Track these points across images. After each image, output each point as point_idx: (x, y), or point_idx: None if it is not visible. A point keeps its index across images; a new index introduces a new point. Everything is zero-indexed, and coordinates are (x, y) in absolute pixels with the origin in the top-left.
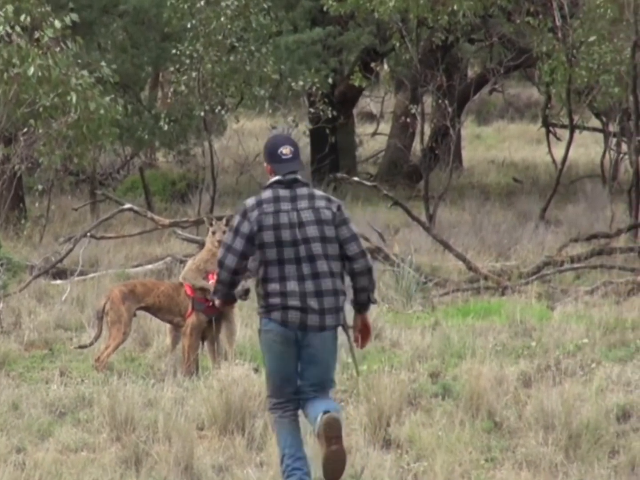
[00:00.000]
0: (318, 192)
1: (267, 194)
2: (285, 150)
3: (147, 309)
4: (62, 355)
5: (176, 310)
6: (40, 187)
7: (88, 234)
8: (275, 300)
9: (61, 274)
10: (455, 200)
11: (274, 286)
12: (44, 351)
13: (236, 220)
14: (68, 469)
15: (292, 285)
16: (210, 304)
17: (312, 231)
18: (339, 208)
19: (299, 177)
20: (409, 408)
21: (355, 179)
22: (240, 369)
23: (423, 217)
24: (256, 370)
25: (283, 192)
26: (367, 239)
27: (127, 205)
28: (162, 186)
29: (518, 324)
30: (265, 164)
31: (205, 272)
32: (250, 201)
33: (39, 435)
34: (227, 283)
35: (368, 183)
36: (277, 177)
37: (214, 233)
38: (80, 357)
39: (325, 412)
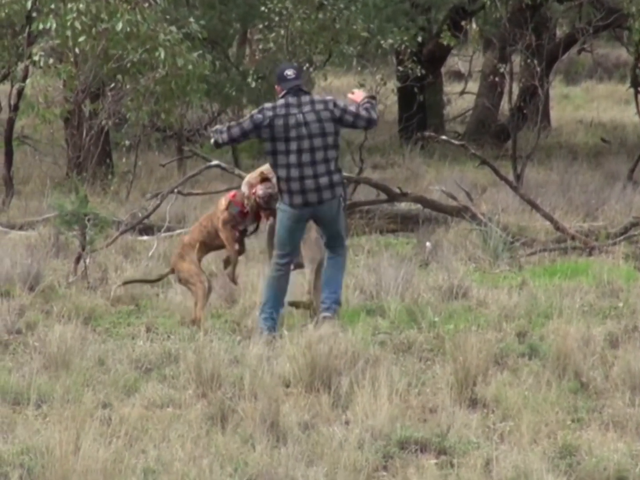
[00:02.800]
0: (317, 97)
1: (280, 101)
2: (289, 72)
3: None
4: (149, 311)
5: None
6: (127, 143)
7: (175, 190)
8: (284, 186)
9: (148, 230)
10: (543, 160)
11: (282, 173)
12: (130, 307)
13: (254, 112)
14: (154, 424)
15: (294, 172)
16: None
17: (314, 128)
18: (334, 104)
19: (302, 87)
20: (496, 368)
21: (443, 137)
22: (326, 326)
23: (511, 177)
24: (342, 328)
25: (292, 100)
26: (454, 198)
27: (215, 162)
28: (250, 143)
29: (605, 285)
30: (276, 87)
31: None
32: (268, 105)
33: (125, 390)
34: (221, 144)
35: (456, 142)
36: (288, 96)
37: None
38: (166, 313)
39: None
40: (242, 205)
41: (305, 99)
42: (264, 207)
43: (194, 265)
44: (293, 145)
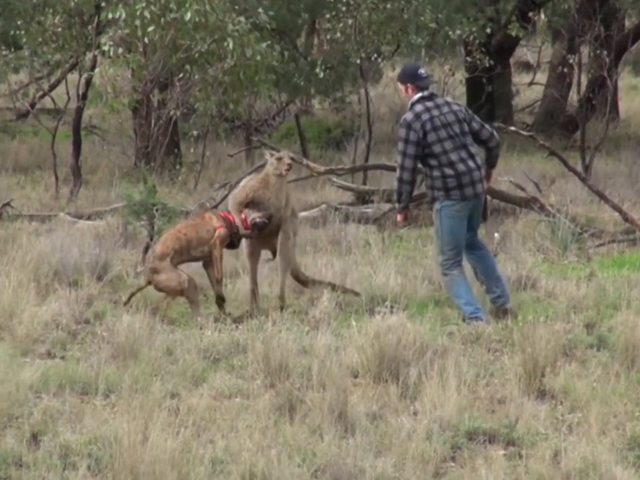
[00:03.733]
0: (449, 100)
1: (419, 107)
2: (422, 71)
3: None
4: None
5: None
6: (195, 133)
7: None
8: (453, 183)
9: None
10: (612, 151)
11: (449, 171)
12: (199, 297)
13: (402, 132)
14: (222, 415)
15: (460, 167)
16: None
17: (456, 128)
18: (466, 109)
19: (434, 91)
20: (564, 359)
21: (512, 128)
22: (395, 317)
23: (579, 168)
24: (410, 318)
25: (429, 104)
26: (522, 189)
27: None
28: (318, 133)
29: None
30: (403, 86)
31: (250, 201)
32: (409, 115)
33: (193, 380)
34: (410, 181)
35: (524, 133)
36: (420, 94)
37: (280, 159)
38: (234, 303)
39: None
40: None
41: (439, 101)
42: (250, 235)
43: (171, 270)
44: (449, 145)
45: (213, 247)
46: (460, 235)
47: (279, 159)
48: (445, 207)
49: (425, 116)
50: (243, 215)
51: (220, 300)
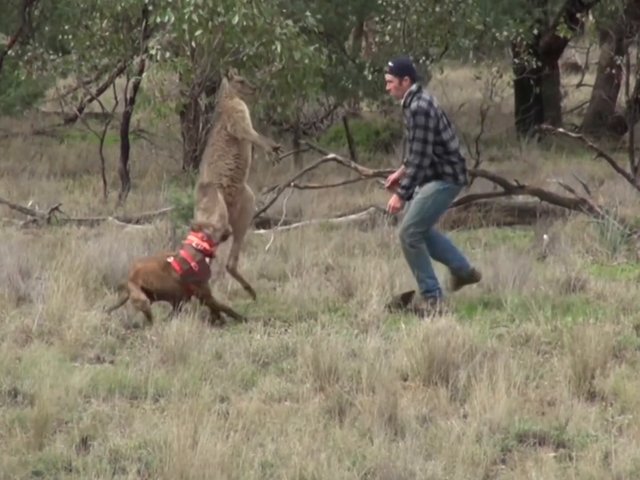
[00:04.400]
0: None
1: (426, 95)
2: (414, 64)
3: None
4: (266, 304)
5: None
6: None
7: (292, 183)
8: (458, 167)
9: (265, 224)
10: None
11: (454, 157)
12: (247, 300)
13: (422, 119)
14: (271, 418)
15: (461, 154)
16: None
17: (447, 119)
18: None
19: None
20: (614, 360)
21: (560, 130)
22: (444, 319)
23: (628, 169)
24: (460, 321)
25: (428, 94)
26: (571, 190)
27: (331, 155)
28: (366, 136)
29: None
30: (399, 78)
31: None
32: (424, 103)
33: (242, 384)
34: (425, 167)
35: (573, 134)
36: (417, 85)
37: (242, 82)
38: (283, 307)
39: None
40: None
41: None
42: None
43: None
44: (450, 133)
45: (199, 288)
46: (436, 218)
47: (241, 82)
48: (448, 189)
49: (435, 104)
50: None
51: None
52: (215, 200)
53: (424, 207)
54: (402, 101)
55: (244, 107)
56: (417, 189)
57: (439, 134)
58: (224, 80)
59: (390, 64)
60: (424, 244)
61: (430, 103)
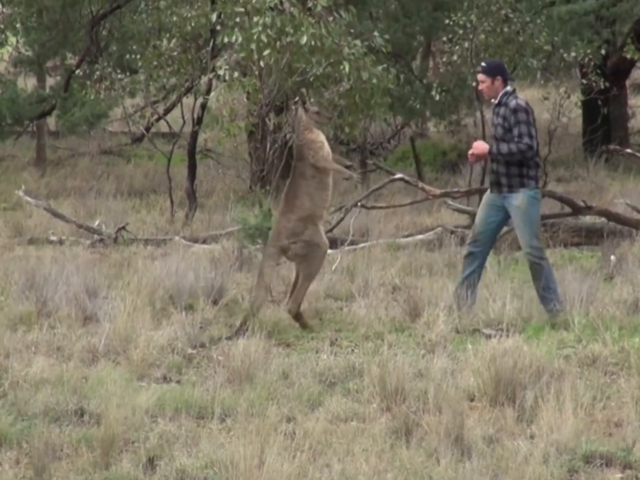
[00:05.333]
0: None
1: (521, 96)
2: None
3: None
4: (332, 324)
5: None
6: None
7: (359, 203)
8: (539, 170)
9: (331, 243)
10: None
11: (539, 160)
12: (314, 320)
13: (524, 116)
14: (338, 438)
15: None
16: None
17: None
18: None
19: None
20: None
21: (628, 150)
22: (511, 340)
23: None
24: (527, 341)
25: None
26: (639, 211)
27: (398, 175)
28: (433, 156)
29: None
30: (491, 78)
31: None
32: (522, 102)
33: (308, 404)
34: (532, 153)
35: None
36: (510, 87)
37: (318, 113)
38: (350, 327)
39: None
40: None
41: None
42: None
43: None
44: (536, 140)
45: None
46: (540, 226)
47: (317, 113)
48: (534, 195)
49: (529, 104)
50: None
51: None
52: (320, 232)
53: (529, 218)
54: (495, 101)
55: (322, 138)
56: (508, 200)
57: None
58: (300, 111)
59: (483, 64)
60: (545, 257)
61: (527, 103)
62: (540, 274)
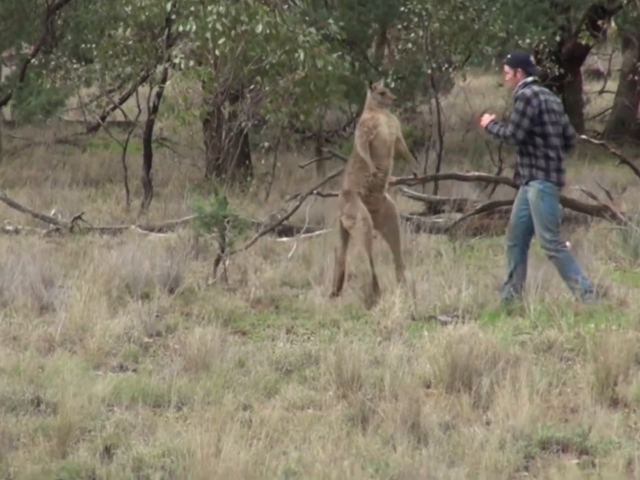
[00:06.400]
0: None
1: (535, 88)
2: (532, 59)
3: None
4: (288, 312)
5: None
6: (266, 144)
7: (314, 191)
8: (553, 164)
9: (287, 232)
10: None
11: (553, 153)
12: (270, 308)
13: (520, 105)
14: (294, 426)
15: (560, 153)
16: None
17: (560, 117)
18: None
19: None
20: (636, 367)
21: (583, 137)
22: (467, 326)
23: None
24: (482, 328)
25: (541, 88)
26: (594, 197)
27: None
28: None
29: None
30: (512, 70)
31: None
32: (528, 91)
33: (265, 392)
34: (512, 142)
35: (595, 141)
36: (531, 78)
37: (383, 93)
38: (306, 314)
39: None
40: None
41: (546, 88)
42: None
43: None
44: (554, 129)
45: None
46: (558, 217)
47: (382, 93)
48: (547, 188)
49: (542, 96)
50: None
51: None
52: (357, 205)
53: (540, 211)
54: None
55: (372, 124)
56: (527, 192)
57: (544, 125)
58: (368, 92)
59: (508, 56)
60: (565, 250)
61: (536, 93)
62: (557, 266)
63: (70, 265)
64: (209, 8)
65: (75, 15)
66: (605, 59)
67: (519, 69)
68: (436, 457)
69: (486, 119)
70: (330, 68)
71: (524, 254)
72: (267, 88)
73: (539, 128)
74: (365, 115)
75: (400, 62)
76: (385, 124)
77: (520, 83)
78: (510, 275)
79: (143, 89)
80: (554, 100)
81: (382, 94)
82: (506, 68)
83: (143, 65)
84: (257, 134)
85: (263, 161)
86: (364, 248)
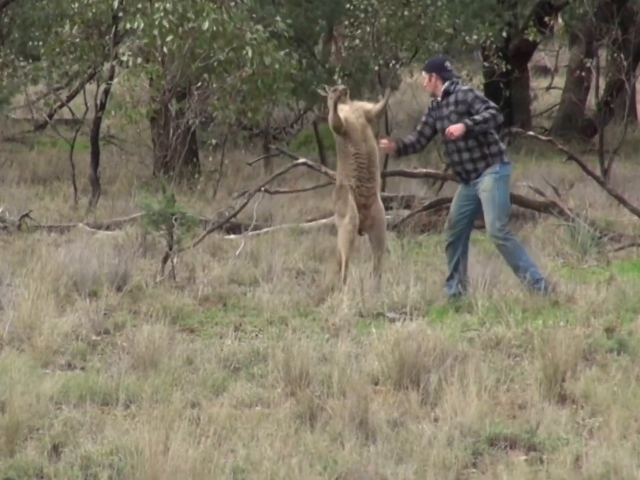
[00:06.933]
0: None
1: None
2: (449, 64)
3: None
4: (236, 309)
5: None
6: (214, 141)
7: (262, 188)
8: (503, 147)
9: (235, 229)
10: (630, 154)
11: (497, 135)
12: (218, 306)
13: (474, 93)
14: (242, 423)
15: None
16: None
17: None
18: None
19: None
20: (584, 363)
21: (530, 133)
22: (415, 323)
23: (598, 172)
24: (430, 325)
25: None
26: (541, 193)
27: (302, 160)
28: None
29: None
30: (427, 75)
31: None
32: (465, 86)
33: (213, 390)
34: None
35: (542, 137)
36: (454, 79)
37: (335, 90)
38: (254, 312)
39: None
40: None
41: None
42: None
43: None
44: None
45: None
46: (510, 206)
47: (334, 90)
48: (501, 173)
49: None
50: None
51: None
52: (347, 204)
53: (494, 200)
54: (436, 97)
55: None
56: (477, 187)
57: None
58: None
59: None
60: (514, 236)
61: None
62: (505, 254)
63: (18, 263)
64: (156, 5)
65: (22, 12)
66: (553, 55)
67: (434, 74)
68: (384, 454)
69: (455, 127)
70: (277, 65)
71: (465, 249)
72: (214, 85)
73: None
74: (329, 101)
75: (347, 59)
76: (349, 111)
77: (444, 86)
78: (453, 272)
79: (90, 87)
80: None
81: (334, 90)
82: (423, 73)
83: (90, 62)
84: (205, 131)
85: (211, 158)
86: (343, 248)
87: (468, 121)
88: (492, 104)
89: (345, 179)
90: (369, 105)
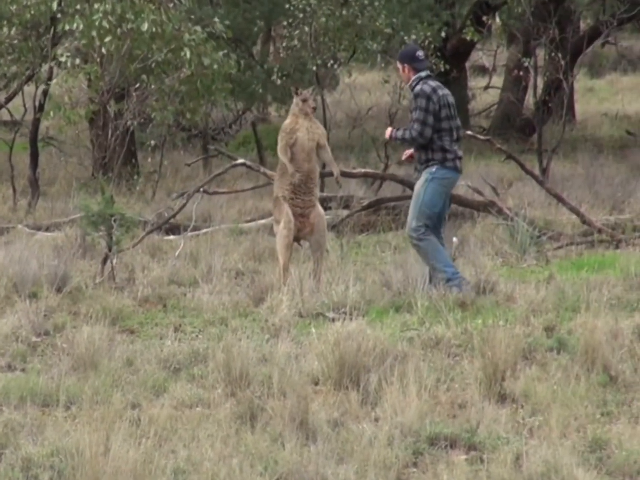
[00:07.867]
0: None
1: (431, 83)
2: (420, 53)
3: None
4: (176, 310)
5: None
6: (152, 142)
7: (201, 189)
8: (449, 155)
9: (174, 230)
10: (569, 153)
11: (447, 146)
12: (157, 307)
13: (423, 102)
14: (183, 424)
15: (454, 146)
16: None
17: (453, 110)
18: None
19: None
20: (524, 362)
21: (468, 132)
22: (355, 323)
23: (536, 171)
24: (370, 324)
25: (437, 83)
26: (480, 193)
27: (240, 160)
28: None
29: (633, 277)
30: (401, 66)
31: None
32: (427, 88)
33: (153, 391)
34: (419, 143)
35: (481, 137)
36: (425, 73)
37: (305, 100)
38: (194, 312)
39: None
40: None
41: (439, 83)
42: None
43: None
44: (449, 124)
45: None
46: (438, 209)
47: (304, 100)
48: (437, 177)
49: (440, 92)
50: None
51: None
52: (282, 211)
53: (418, 200)
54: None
55: (290, 128)
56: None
57: (439, 121)
58: (294, 98)
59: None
60: (431, 235)
61: (434, 89)
62: (420, 254)
63: None
64: (95, 6)
65: None
66: (490, 54)
67: (405, 65)
68: (325, 454)
69: (388, 131)
70: (216, 66)
71: (440, 240)
72: (153, 86)
73: (437, 123)
74: (287, 120)
75: (285, 59)
76: (305, 129)
77: (414, 78)
78: (433, 268)
79: (29, 88)
80: (449, 94)
81: (304, 101)
82: (398, 63)
83: (29, 64)
84: (144, 132)
85: (149, 159)
86: (280, 252)
87: (395, 132)
88: (416, 125)
89: (280, 190)
90: (323, 140)
